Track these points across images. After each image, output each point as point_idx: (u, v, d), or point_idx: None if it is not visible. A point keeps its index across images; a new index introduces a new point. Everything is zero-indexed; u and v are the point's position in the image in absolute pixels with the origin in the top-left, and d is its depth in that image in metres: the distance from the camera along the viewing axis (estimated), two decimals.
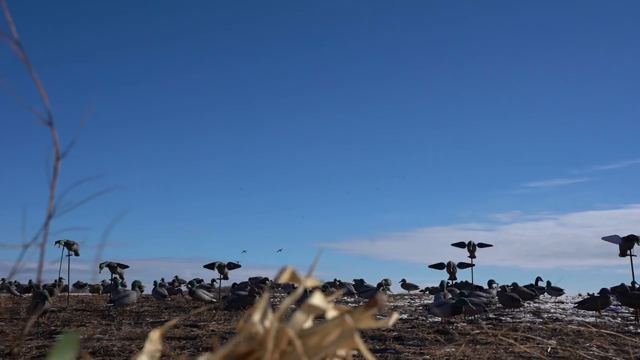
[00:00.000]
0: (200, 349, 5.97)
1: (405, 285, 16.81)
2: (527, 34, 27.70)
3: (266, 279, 13.92)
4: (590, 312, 10.02)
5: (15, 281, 14.94)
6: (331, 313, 0.67)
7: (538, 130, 29.38)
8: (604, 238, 10.56)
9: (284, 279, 0.67)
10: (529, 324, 8.10)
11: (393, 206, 30.01)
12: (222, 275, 12.17)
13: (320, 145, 29.97)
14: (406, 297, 16.38)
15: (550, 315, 9.73)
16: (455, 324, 7.84)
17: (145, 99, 28.85)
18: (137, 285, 10.65)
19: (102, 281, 15.98)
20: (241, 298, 10.01)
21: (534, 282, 13.55)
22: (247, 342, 0.64)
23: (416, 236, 28.60)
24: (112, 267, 11.56)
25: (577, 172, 28.22)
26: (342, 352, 0.70)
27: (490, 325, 7.93)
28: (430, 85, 29.14)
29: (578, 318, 9.19)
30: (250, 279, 14.23)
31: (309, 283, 0.66)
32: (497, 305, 10.83)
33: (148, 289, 12.93)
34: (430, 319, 8.67)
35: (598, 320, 9.00)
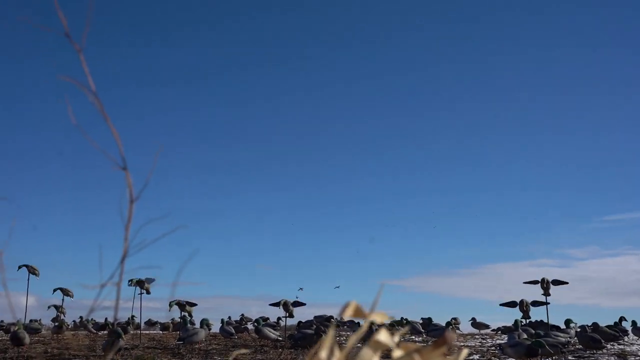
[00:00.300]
0: None
1: (475, 324, 16.13)
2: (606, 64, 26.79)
3: (331, 317, 13.78)
4: None
5: (92, 319, 15.58)
6: (398, 352, 0.66)
7: (613, 161, 28.00)
8: None
9: (348, 313, 0.67)
10: None
11: (461, 242, 29.22)
12: (287, 314, 12.17)
13: (385, 178, 29.84)
14: (477, 336, 15.70)
15: (637, 358, 9.01)
16: None
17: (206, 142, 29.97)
18: (205, 323, 10.82)
19: (172, 319, 16.36)
20: (307, 336, 9.95)
21: (617, 322, 12.64)
22: None
23: (486, 273, 27.56)
24: (181, 305, 11.84)
25: None
26: None
27: None
28: (502, 114, 28.57)
29: None
30: (315, 317, 14.13)
31: (375, 317, 0.66)
32: (577, 346, 10.16)
33: (215, 327, 13.11)
34: None
35: None
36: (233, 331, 11.42)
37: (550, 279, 11.70)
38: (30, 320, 14.27)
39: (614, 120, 27.92)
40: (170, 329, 15.56)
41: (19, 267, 12.42)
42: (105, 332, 13.43)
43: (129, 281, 11.75)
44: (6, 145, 27.64)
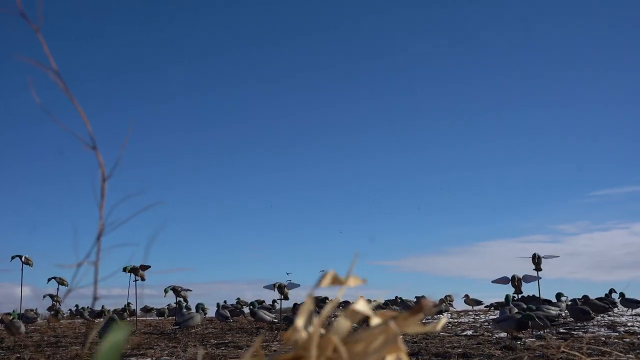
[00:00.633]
0: None
1: (468, 300, 16.33)
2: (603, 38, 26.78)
3: (326, 298, 13.89)
4: None
5: (87, 307, 15.62)
6: (375, 319, 0.67)
7: (602, 136, 28.16)
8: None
9: (325, 283, 0.67)
10: (603, 338, 7.66)
11: (453, 221, 29.40)
12: (282, 296, 12.25)
13: (382, 158, 29.89)
14: (470, 313, 15.91)
15: (627, 328, 9.17)
16: (523, 340, 7.52)
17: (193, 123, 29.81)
18: (200, 307, 10.88)
19: (168, 305, 16.43)
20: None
21: (607, 294, 12.84)
22: (293, 349, 0.64)
23: (478, 251, 27.82)
24: (177, 291, 11.88)
25: None
26: (390, 358, 0.69)
27: (560, 340, 7.55)
28: (493, 92, 28.58)
29: None
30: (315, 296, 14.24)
31: (352, 283, 0.66)
32: (568, 319, 10.32)
33: (211, 312, 13.19)
34: (496, 335, 8.36)
35: None
36: (229, 315, 11.49)
37: (541, 254, 11.84)
38: (26, 310, 14.28)
39: (603, 94, 28.01)
40: (166, 315, 15.64)
41: (12, 258, 12.39)
42: (102, 319, 13.47)
43: (124, 269, 11.76)
44: None
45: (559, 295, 11.59)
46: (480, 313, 15.55)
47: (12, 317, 9.14)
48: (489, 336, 8.40)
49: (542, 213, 28.82)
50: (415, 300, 14.49)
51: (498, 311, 14.00)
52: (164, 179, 28.82)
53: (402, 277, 26.32)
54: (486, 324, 11.00)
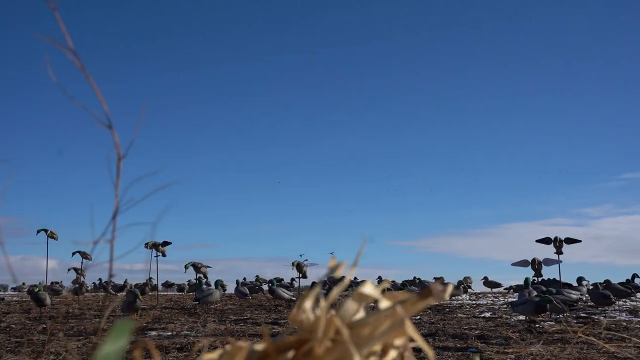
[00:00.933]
0: None
1: (487, 283, 16.28)
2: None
3: (343, 277, 13.96)
4: None
5: (111, 280, 15.98)
6: (384, 303, 0.66)
7: (627, 119, 27.47)
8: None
9: (339, 272, 0.67)
10: (624, 323, 7.57)
11: (475, 202, 29.19)
12: (300, 274, 12.36)
13: (407, 136, 29.67)
14: (489, 295, 15.85)
15: None
16: (542, 323, 7.48)
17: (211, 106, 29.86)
18: (219, 284, 11.04)
19: (188, 281, 16.72)
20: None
21: (629, 279, 12.65)
22: (298, 331, 0.64)
23: (499, 233, 27.63)
24: (196, 267, 12.05)
25: None
26: (399, 341, 0.69)
27: (580, 325, 7.49)
28: (519, 74, 28.05)
29: None
30: (329, 277, 14.34)
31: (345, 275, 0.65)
32: (589, 303, 10.22)
33: (231, 289, 13.38)
34: (514, 318, 8.32)
35: None
36: (247, 292, 11.64)
37: (562, 238, 11.68)
38: (52, 283, 14.65)
39: (630, 79, 27.25)
40: (186, 290, 15.92)
41: (38, 232, 12.68)
42: (124, 293, 13.76)
43: (145, 244, 11.96)
44: None
45: (580, 280, 11.45)
46: (499, 295, 15.50)
47: (38, 289, 9.39)
48: (507, 318, 8.37)
49: (566, 196, 28.45)
50: (433, 281, 14.48)
51: (517, 294, 13.93)
52: (185, 156, 29.09)
53: (421, 258, 26.33)
54: (505, 306, 10.95)
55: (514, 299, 11.12)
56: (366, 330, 0.62)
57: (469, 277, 16.06)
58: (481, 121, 29.24)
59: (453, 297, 12.79)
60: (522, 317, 7.99)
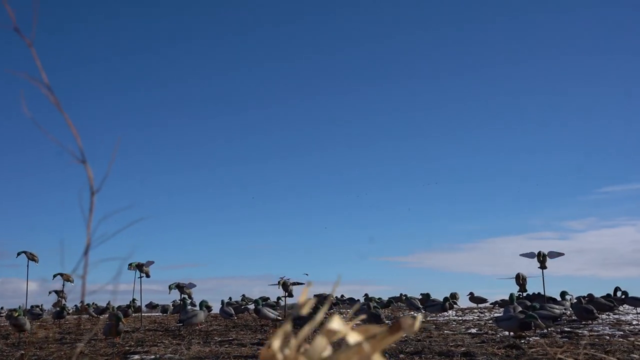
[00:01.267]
0: None
1: (473, 298, 16.31)
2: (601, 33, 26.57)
3: (330, 295, 13.90)
4: None
5: (93, 303, 15.71)
6: (352, 337, 0.66)
7: (609, 133, 27.98)
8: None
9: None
10: (607, 337, 7.63)
11: (460, 217, 29.36)
12: (286, 293, 12.28)
13: (387, 150, 29.83)
14: (475, 310, 15.88)
15: (632, 327, 9.13)
16: (527, 339, 7.50)
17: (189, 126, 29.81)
18: (204, 305, 10.91)
19: (173, 301, 16.51)
20: (306, 315, 10.04)
21: (614, 292, 12.77)
22: None
23: (485, 247, 27.77)
24: (181, 288, 11.92)
25: None
26: None
27: (565, 339, 7.53)
28: (498, 87, 28.46)
29: None
30: (315, 295, 14.25)
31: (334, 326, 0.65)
32: (573, 317, 10.29)
33: (216, 309, 13.23)
34: (500, 334, 8.34)
35: None
36: (232, 312, 11.53)
37: (546, 252, 11.79)
38: (32, 306, 14.36)
39: (612, 91, 27.82)
40: (170, 312, 15.72)
41: (18, 254, 12.47)
42: (106, 315, 13.53)
43: (129, 265, 11.81)
44: None
45: (563, 294, 11.54)
46: (485, 311, 15.53)
47: (17, 313, 9.20)
48: (492, 334, 8.38)
49: (550, 210, 28.75)
50: (420, 297, 14.48)
51: (502, 309, 13.99)
52: (168, 176, 28.92)
53: (408, 273, 26.34)
54: (490, 322, 10.98)
55: (500, 314, 11.16)
56: None
57: (455, 293, 16.08)
58: (464, 135, 29.57)
59: (440, 314, 12.78)
60: (507, 333, 8.01)
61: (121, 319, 8.37)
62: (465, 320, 11.99)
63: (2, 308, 18.83)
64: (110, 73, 28.89)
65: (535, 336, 7.82)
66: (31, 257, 12.65)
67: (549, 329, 8.10)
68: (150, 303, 18.62)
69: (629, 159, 27.75)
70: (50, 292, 13.81)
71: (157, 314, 17.76)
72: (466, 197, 29.32)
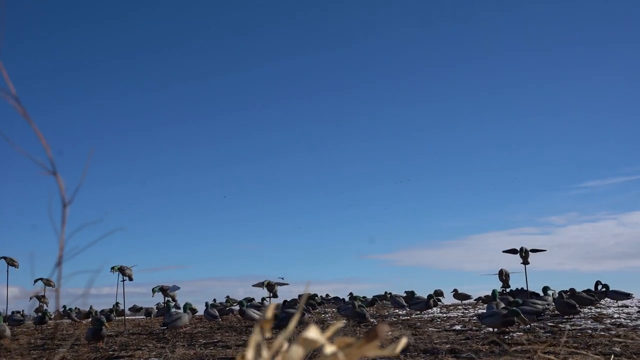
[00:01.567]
0: None
1: (457, 295, 16.45)
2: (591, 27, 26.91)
3: (315, 295, 13.91)
4: None
5: (75, 307, 15.51)
6: (328, 347, 0.66)
7: (589, 128, 28.39)
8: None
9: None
10: (589, 331, 7.74)
11: (443, 214, 29.56)
12: (271, 294, 12.25)
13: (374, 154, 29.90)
14: (459, 307, 16.00)
15: (613, 321, 9.27)
16: (511, 334, 7.58)
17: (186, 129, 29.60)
18: (188, 307, 10.84)
19: (157, 304, 16.37)
20: (291, 316, 10.02)
21: (595, 286, 12.96)
22: None
23: (468, 244, 28.01)
24: (164, 290, 11.82)
25: (633, 169, 27.04)
26: None
27: (548, 334, 7.62)
28: (480, 82, 28.68)
29: None
30: (299, 295, 14.24)
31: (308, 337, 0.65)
32: (555, 312, 10.42)
33: (201, 310, 13.15)
34: (484, 330, 8.42)
35: None
36: (217, 314, 11.46)
37: (528, 248, 11.93)
38: (13, 312, 14.13)
39: (593, 87, 28.23)
40: (153, 315, 15.58)
41: None
42: (89, 320, 13.38)
43: (111, 268, 11.68)
44: None
45: (545, 289, 11.68)
46: (469, 307, 15.66)
47: None
48: (477, 331, 8.45)
49: (532, 205, 29.10)
50: (404, 295, 14.54)
51: (486, 305, 14.11)
52: (152, 179, 28.66)
53: (393, 271, 26.46)
54: (475, 318, 11.07)
55: (483, 310, 11.26)
56: None
57: (440, 290, 16.21)
58: (449, 131, 29.78)
59: (424, 312, 12.86)
60: (491, 329, 8.09)
61: (104, 323, 8.27)
62: (450, 317, 12.07)
63: None
64: (86, 78, 28.56)
65: (519, 331, 7.91)
66: (11, 263, 12.46)
67: (532, 324, 8.19)
68: (134, 306, 18.44)
69: (610, 153, 28.23)
70: (31, 298, 13.60)
71: (140, 317, 17.59)
72: (449, 194, 29.54)
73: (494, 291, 9.81)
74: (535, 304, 8.20)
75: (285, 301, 13.98)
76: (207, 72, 28.54)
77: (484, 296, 16.05)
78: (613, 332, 7.51)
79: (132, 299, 30.47)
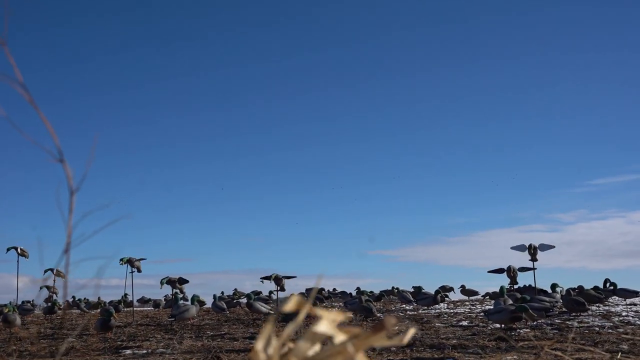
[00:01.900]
0: None
1: (464, 291, 16.41)
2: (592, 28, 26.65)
3: (322, 289, 13.93)
4: None
5: (84, 298, 15.65)
6: (338, 338, 0.66)
7: (599, 126, 28.15)
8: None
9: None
10: (597, 328, 7.70)
11: (452, 210, 29.48)
12: (279, 287, 12.29)
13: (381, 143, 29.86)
14: (466, 303, 15.97)
15: (621, 318, 9.23)
16: (518, 330, 7.56)
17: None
18: (196, 299, 10.90)
19: (165, 296, 16.48)
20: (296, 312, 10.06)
21: (604, 284, 12.88)
22: None
23: (476, 240, 27.92)
24: (172, 282, 11.89)
25: None
26: None
27: (555, 331, 7.59)
28: (490, 80, 28.50)
29: None
30: (307, 289, 14.28)
31: (329, 317, 0.65)
32: (563, 309, 10.38)
33: (209, 302, 13.21)
34: (491, 326, 8.40)
35: None
36: (224, 306, 11.52)
37: (537, 245, 11.86)
38: (23, 302, 14.28)
39: (602, 83, 27.95)
40: (161, 307, 15.69)
41: (8, 249, 12.39)
42: (98, 310, 13.49)
43: (120, 260, 11.76)
44: None
45: (553, 286, 11.63)
46: (477, 303, 15.63)
47: (8, 309, 9.15)
48: (483, 327, 8.44)
49: (540, 202, 28.92)
50: (412, 290, 14.54)
51: (493, 302, 14.07)
52: (158, 171, 28.80)
53: (400, 267, 26.46)
54: (481, 314, 11.05)
55: (490, 307, 11.23)
56: None
57: (451, 287, 16.20)
58: (458, 128, 29.65)
59: (431, 307, 12.85)
60: (497, 325, 8.07)
61: (113, 314, 8.35)
62: (457, 312, 12.06)
63: None
64: (91, 71, 28.66)
65: (526, 328, 7.89)
66: (21, 253, 12.57)
67: (539, 321, 8.16)
68: (142, 298, 18.57)
69: (619, 151, 27.97)
70: (41, 288, 13.73)
71: (149, 308, 17.72)
72: (457, 190, 29.44)
73: (501, 287, 9.79)
74: (542, 301, 8.17)
75: (292, 294, 14.01)
76: (225, 63, 28.50)
77: (492, 292, 16.01)
78: (621, 330, 7.47)
79: (141, 290, 30.71)
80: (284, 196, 29.85)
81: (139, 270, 11.89)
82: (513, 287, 11.69)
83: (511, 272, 11.35)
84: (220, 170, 29.75)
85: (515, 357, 5.44)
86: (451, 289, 16.24)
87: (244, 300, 13.24)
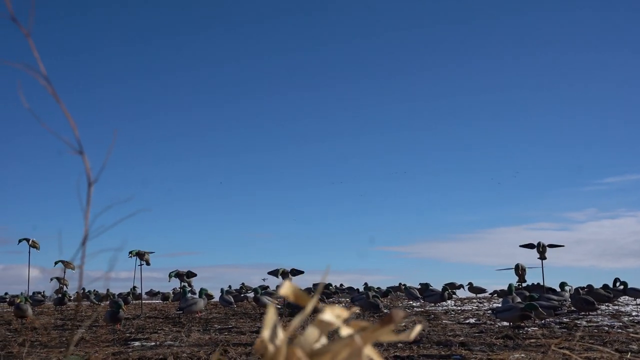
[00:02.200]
0: None
1: (472, 288, 16.36)
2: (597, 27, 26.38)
3: (329, 284, 13.96)
4: None
5: (94, 290, 15.79)
6: (345, 330, 0.67)
7: (610, 125, 27.90)
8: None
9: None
10: (606, 328, 7.66)
11: (460, 207, 29.40)
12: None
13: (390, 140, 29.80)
14: (474, 300, 15.93)
15: (631, 318, 9.17)
16: (525, 329, 7.54)
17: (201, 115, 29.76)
18: (204, 293, 10.97)
19: (173, 289, 16.59)
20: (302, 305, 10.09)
21: (613, 283, 12.79)
22: None
23: (484, 237, 27.83)
24: (181, 276, 11.96)
25: None
26: None
27: (563, 329, 7.56)
28: (500, 78, 28.33)
29: None
30: (314, 284, 14.32)
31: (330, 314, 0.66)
32: (571, 308, 10.32)
33: (217, 296, 13.29)
34: (499, 324, 8.38)
35: None
36: (232, 300, 11.58)
37: (546, 243, 11.80)
38: (34, 293, 14.44)
39: (614, 81, 27.70)
40: (170, 299, 15.79)
41: (20, 241, 12.53)
42: (107, 302, 13.60)
43: (129, 253, 11.86)
44: None
45: (562, 285, 11.57)
46: (484, 300, 15.59)
47: (19, 300, 9.26)
48: (491, 324, 8.42)
49: (550, 200, 28.75)
50: (419, 287, 14.53)
51: (501, 300, 14.01)
52: (170, 164, 28.93)
53: (407, 263, 26.44)
54: (489, 312, 11.02)
55: (498, 304, 11.20)
56: (326, 359, 0.63)
57: (460, 284, 16.16)
58: (468, 125, 29.51)
59: (438, 304, 12.84)
60: (505, 323, 8.05)
61: (122, 306, 8.42)
62: (464, 310, 12.04)
63: (6, 294, 18.97)
64: (109, 63, 28.81)
65: (534, 326, 7.85)
66: (32, 245, 12.71)
67: (547, 320, 8.13)
68: (151, 290, 18.72)
69: (629, 150, 27.71)
70: (51, 279, 13.87)
71: (157, 301, 17.86)
72: (466, 187, 29.33)
73: (510, 285, 9.75)
74: (551, 299, 8.13)
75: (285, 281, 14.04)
76: (238, 56, 28.50)
77: (499, 290, 15.96)
78: (631, 330, 7.42)
79: (149, 283, 30.92)
80: (294, 192, 29.91)
81: (147, 263, 11.97)
82: (521, 285, 11.64)
83: (519, 270, 11.30)
84: (231, 165, 29.85)
85: (522, 355, 5.42)
86: (460, 286, 16.21)
87: (251, 295, 13.31)
